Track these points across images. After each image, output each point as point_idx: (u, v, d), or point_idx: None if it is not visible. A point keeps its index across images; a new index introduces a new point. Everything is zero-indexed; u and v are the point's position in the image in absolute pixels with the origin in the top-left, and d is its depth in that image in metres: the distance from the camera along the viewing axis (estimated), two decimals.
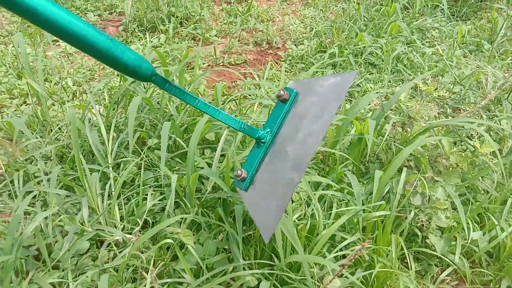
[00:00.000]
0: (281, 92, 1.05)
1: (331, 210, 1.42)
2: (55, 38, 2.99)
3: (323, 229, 1.30)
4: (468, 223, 1.44)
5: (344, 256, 1.33)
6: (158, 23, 3.31)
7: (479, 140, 1.58)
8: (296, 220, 1.35)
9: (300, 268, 1.25)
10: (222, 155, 1.62)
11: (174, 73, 1.76)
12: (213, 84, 2.70)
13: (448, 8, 4.03)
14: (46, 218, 1.36)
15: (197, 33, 3.35)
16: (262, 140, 1.04)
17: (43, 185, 1.47)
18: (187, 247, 1.23)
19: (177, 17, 3.38)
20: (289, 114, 1.05)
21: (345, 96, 1.06)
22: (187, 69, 2.75)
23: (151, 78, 0.91)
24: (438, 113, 1.93)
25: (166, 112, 1.80)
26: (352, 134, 1.69)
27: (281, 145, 1.02)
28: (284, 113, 1.05)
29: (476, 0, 4.16)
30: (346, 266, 0.98)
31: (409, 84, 1.70)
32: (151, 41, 3.10)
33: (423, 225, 1.42)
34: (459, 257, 1.44)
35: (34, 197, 1.50)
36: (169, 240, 1.20)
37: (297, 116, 1.04)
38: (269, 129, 1.05)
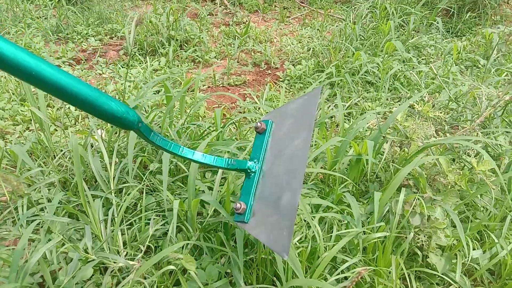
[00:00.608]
0: (258, 124, 1.12)
1: (332, 231, 1.44)
2: (58, 63, 3.03)
3: (324, 251, 1.31)
4: (468, 241, 1.45)
5: (345, 278, 1.34)
6: (158, 47, 3.37)
7: (475, 158, 1.60)
8: (297, 243, 1.36)
9: None
10: (223, 178, 1.64)
11: (175, 99, 1.79)
12: (213, 106, 2.74)
13: (443, 24, 4.11)
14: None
15: (197, 56, 3.41)
16: (252, 170, 1.08)
17: (47, 212, 1.48)
18: (189, 272, 1.24)
19: (177, 40, 3.44)
20: (269, 141, 1.12)
21: (316, 110, 1.11)
22: (187, 91, 2.79)
23: (137, 126, 0.88)
24: (436, 131, 1.96)
25: (167, 136, 1.83)
26: (351, 154, 1.71)
27: (270, 170, 1.06)
28: (265, 142, 1.12)
29: (470, 16, 4.23)
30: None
31: (405, 105, 1.73)
32: (152, 65, 3.15)
33: (423, 244, 1.43)
34: (460, 276, 1.44)
35: (38, 223, 1.51)
36: (171, 267, 1.21)
37: (277, 140, 1.10)
38: (256, 160, 1.09)
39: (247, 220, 1.02)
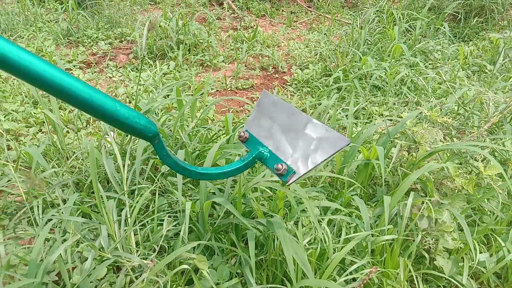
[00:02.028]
0: (242, 133, 1.14)
1: (340, 233, 1.46)
2: (68, 67, 3.09)
3: (333, 253, 1.34)
4: (475, 245, 1.47)
5: (354, 279, 1.37)
6: (167, 51, 3.42)
7: (482, 162, 1.62)
8: (307, 245, 1.39)
9: None
10: (233, 180, 1.67)
11: (187, 104, 1.83)
12: (222, 109, 2.77)
13: (450, 29, 4.12)
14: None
15: (205, 59, 3.45)
16: (265, 150, 1.08)
17: (62, 213, 1.52)
18: (201, 272, 1.27)
19: (185, 44, 3.49)
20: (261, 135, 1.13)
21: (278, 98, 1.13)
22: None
23: (154, 140, 0.87)
24: (443, 136, 1.98)
25: (178, 139, 1.87)
26: (360, 160, 1.74)
27: (280, 140, 1.08)
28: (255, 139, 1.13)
29: (477, 22, 4.25)
30: None
31: (416, 112, 1.76)
32: (161, 68, 3.20)
33: (430, 247, 1.45)
34: (467, 279, 1.46)
35: (53, 223, 1.55)
36: (185, 266, 1.24)
37: (269, 130, 1.11)
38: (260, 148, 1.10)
39: (294, 171, 1.00)
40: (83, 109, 0.73)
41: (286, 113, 1.10)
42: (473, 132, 1.95)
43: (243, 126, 1.19)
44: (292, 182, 1.00)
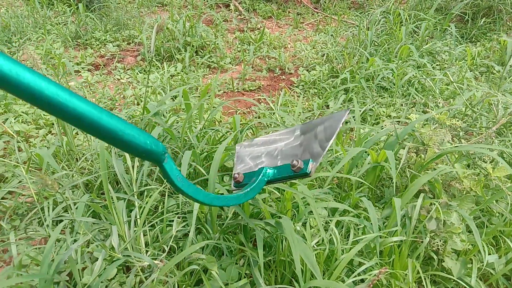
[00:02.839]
0: (236, 175, 1.14)
1: (349, 235, 1.47)
2: (77, 69, 3.12)
3: (341, 254, 1.34)
4: (483, 246, 1.47)
5: (362, 281, 1.37)
6: (174, 53, 3.44)
7: (491, 164, 1.61)
8: (315, 246, 1.40)
9: None
10: None
11: (195, 107, 1.85)
12: (229, 111, 2.79)
13: (457, 30, 4.11)
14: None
15: (212, 61, 3.47)
16: (269, 171, 1.07)
17: (73, 213, 1.54)
18: (210, 272, 1.28)
19: (192, 46, 3.51)
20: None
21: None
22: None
23: (163, 161, 0.81)
24: (451, 137, 1.98)
25: (186, 141, 1.88)
26: (368, 163, 1.74)
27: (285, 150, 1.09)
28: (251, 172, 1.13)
29: (485, 22, 4.23)
30: None
31: (426, 116, 1.76)
32: (169, 70, 3.22)
33: (438, 248, 1.45)
34: (476, 280, 1.46)
35: (61, 223, 1.57)
36: (194, 266, 1.26)
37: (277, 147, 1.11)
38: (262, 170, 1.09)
39: (311, 160, 0.99)
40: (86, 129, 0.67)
41: (267, 142, 1.10)
42: (481, 134, 1.94)
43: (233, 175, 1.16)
44: (314, 170, 0.98)
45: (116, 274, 1.43)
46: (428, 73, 3.12)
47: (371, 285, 1.04)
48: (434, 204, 1.47)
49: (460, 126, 2.04)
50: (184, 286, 1.34)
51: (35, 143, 2.25)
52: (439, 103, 2.62)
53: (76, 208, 1.53)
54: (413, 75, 2.96)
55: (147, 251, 1.43)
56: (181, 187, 0.86)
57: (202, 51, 3.60)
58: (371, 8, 4.66)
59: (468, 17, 4.24)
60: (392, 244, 1.41)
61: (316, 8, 5.03)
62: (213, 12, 4.40)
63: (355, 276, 1.33)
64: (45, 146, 2.18)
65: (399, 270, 1.38)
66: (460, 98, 2.47)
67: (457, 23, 4.34)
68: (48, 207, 1.63)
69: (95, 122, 0.66)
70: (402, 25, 3.79)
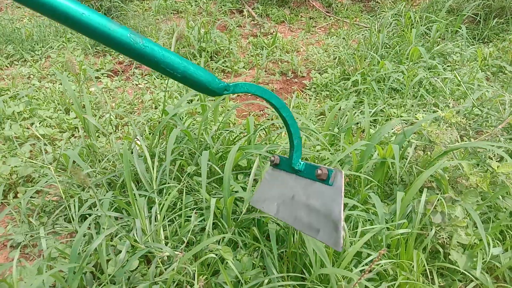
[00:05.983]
0: (272, 158, 1.14)
1: (357, 228, 1.54)
2: (97, 75, 3.25)
3: (350, 246, 1.42)
4: (489, 240, 1.52)
5: (369, 271, 1.44)
6: (190, 58, 3.55)
7: (497, 161, 1.66)
8: None
9: (329, 282, 1.36)
10: (255, 180, 1.76)
11: (210, 109, 1.94)
12: (243, 114, 2.88)
13: (469, 31, 4.13)
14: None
15: (226, 66, 3.57)
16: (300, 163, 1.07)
17: (97, 209, 1.65)
18: (226, 263, 1.37)
19: (207, 51, 3.62)
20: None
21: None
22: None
23: (223, 92, 0.92)
24: (460, 136, 2.03)
25: (202, 141, 1.98)
26: (376, 158, 1.81)
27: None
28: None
29: (497, 23, 4.23)
30: (368, 272, 1.08)
31: (432, 115, 1.82)
32: None
33: (444, 241, 1.51)
34: (482, 273, 1.51)
35: (86, 219, 1.69)
36: (212, 255, 1.35)
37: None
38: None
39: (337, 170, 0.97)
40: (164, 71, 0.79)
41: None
42: (489, 132, 1.99)
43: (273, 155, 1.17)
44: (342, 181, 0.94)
45: (138, 266, 1.53)
46: (439, 74, 3.16)
47: (372, 266, 1.10)
48: (439, 198, 1.52)
49: (469, 124, 2.09)
50: (202, 275, 1.43)
51: (60, 146, 2.38)
52: (449, 103, 2.67)
53: (101, 204, 1.64)
54: (423, 76, 3.01)
55: (166, 243, 1.52)
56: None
57: (216, 56, 3.71)
58: (383, 11, 4.71)
59: (480, 18, 4.25)
60: (399, 237, 1.47)
61: (328, 12, 5.10)
62: (227, 18, 4.51)
63: (363, 266, 1.40)
64: (69, 148, 2.30)
65: (405, 260, 1.44)
66: (469, 98, 2.52)
67: (469, 24, 4.35)
68: (74, 205, 1.74)
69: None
70: (413, 27, 3.84)
